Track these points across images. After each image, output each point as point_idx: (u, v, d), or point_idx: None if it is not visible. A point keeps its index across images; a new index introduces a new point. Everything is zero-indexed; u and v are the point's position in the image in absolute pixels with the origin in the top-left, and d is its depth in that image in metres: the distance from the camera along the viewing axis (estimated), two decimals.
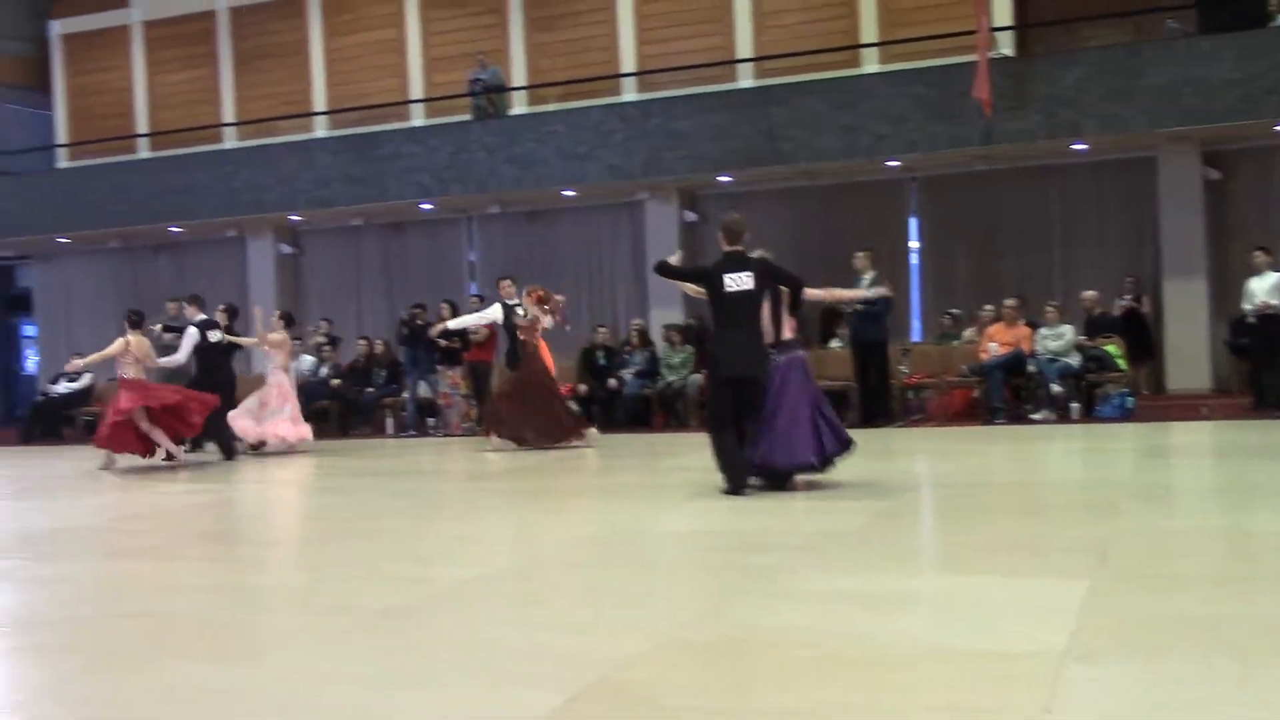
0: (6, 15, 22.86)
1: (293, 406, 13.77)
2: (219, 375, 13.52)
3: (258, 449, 13.68)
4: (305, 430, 13.85)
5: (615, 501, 8.71)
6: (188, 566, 6.66)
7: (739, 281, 8.27)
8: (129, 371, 12.23)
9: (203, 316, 13.62)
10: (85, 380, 18.48)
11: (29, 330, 23.73)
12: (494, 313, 13.77)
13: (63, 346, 20.61)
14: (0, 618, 5.37)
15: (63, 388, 18.91)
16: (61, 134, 22.30)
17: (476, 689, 3.89)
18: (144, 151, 21.30)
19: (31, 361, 23.71)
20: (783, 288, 8.52)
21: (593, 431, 13.18)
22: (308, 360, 17.15)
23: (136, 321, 12.60)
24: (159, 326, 12.79)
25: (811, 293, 8.91)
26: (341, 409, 16.77)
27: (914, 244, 17.46)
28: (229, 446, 13.18)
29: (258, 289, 20.45)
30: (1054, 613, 4.47)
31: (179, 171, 19.70)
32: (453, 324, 14.11)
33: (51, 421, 18.86)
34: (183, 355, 13.25)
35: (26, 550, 7.51)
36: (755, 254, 8.62)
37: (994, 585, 5.09)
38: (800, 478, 8.40)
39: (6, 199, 20.95)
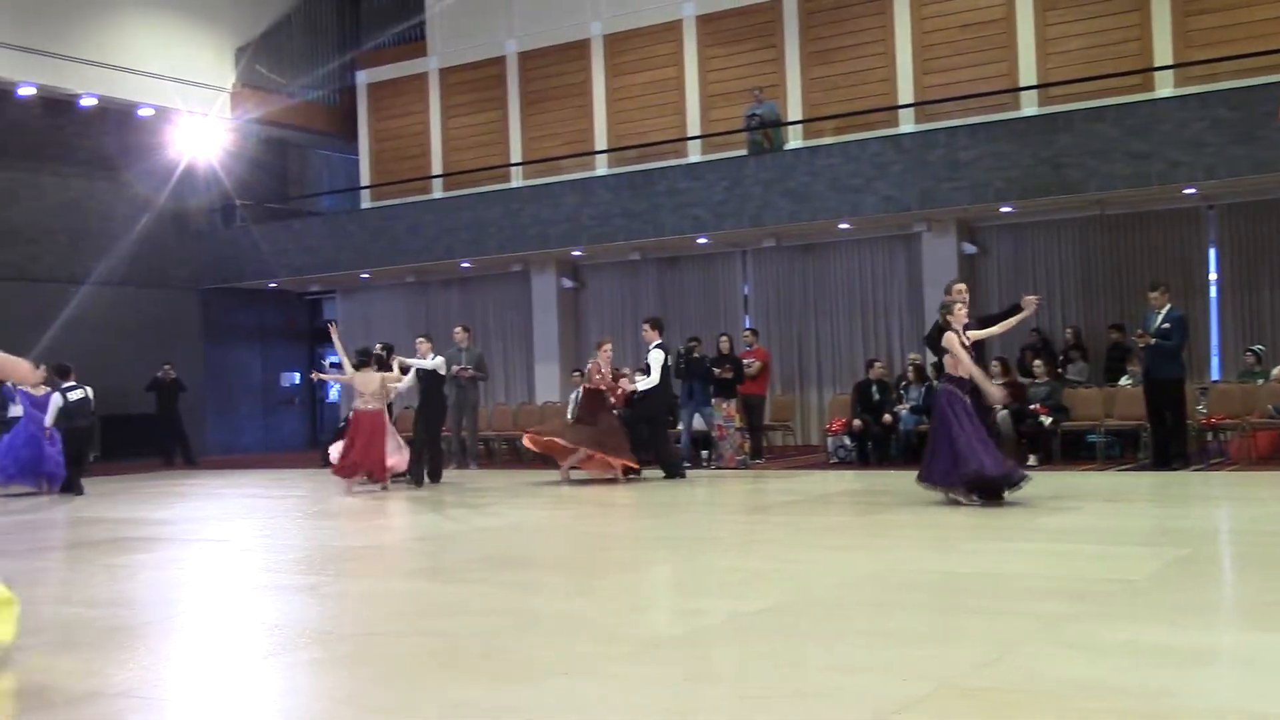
0: (320, 70, 24.71)
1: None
2: (439, 400, 14.68)
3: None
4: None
5: (891, 539, 8.53)
6: (473, 589, 6.92)
7: None
8: (361, 404, 13.54)
9: (438, 356, 14.62)
10: None
11: (333, 359, 25.31)
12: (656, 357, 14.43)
13: None
14: (304, 630, 5.74)
15: None
16: (365, 176, 23.82)
17: None
18: (438, 191, 22.47)
19: (335, 390, 25.29)
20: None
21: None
22: None
23: (362, 362, 13.75)
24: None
25: (976, 335, 10.22)
26: None
27: (1213, 276, 16.49)
28: (437, 471, 14.57)
29: (541, 321, 21.25)
30: None
31: (469, 210, 20.70)
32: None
33: None
34: (442, 369, 14.53)
35: (328, 568, 8.00)
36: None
37: None
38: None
39: (317, 237, 22.54)
